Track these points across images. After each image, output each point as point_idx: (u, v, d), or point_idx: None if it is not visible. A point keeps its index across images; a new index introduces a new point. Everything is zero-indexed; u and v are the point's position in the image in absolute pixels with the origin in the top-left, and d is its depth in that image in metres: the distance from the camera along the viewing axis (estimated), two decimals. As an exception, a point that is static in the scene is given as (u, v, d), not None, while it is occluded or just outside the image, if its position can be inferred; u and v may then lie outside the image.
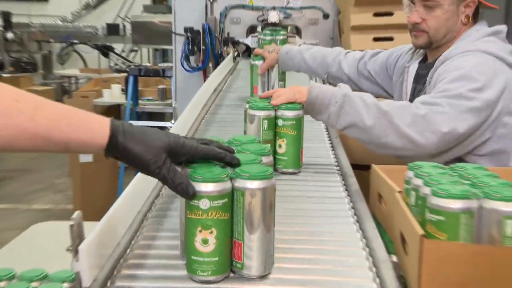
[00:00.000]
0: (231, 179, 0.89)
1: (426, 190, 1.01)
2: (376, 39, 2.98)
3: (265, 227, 0.90)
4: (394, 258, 1.04)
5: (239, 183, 0.89)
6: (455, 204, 0.93)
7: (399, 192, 1.12)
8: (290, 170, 1.38)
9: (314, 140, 1.92)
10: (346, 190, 1.44)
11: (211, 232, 0.87)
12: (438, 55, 1.87)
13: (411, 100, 1.87)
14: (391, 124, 1.54)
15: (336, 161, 1.68)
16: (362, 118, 1.55)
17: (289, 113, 1.22)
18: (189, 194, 0.87)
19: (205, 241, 0.88)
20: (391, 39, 2.93)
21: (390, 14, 2.86)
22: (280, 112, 1.26)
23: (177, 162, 0.93)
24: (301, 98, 1.53)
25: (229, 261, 0.92)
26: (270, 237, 0.92)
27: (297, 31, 3.86)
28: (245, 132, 1.36)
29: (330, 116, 1.57)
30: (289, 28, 3.79)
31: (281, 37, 3.05)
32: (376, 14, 2.96)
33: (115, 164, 5.24)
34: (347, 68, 2.29)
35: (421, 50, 2.01)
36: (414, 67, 2.02)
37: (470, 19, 1.85)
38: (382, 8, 2.90)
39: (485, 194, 0.95)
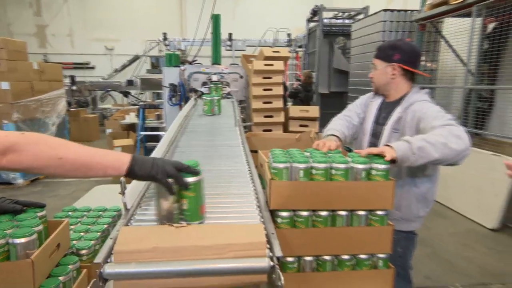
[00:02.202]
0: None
1: (272, 160, 1.11)
2: (263, 90, 3.05)
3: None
4: (264, 191, 1.17)
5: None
6: (281, 165, 1.07)
7: (266, 162, 1.21)
8: (194, 222, 0.90)
9: (232, 139, 1.92)
10: (247, 161, 1.50)
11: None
12: (394, 99, 1.60)
13: (376, 120, 1.65)
14: (449, 151, 1.22)
15: (243, 149, 1.71)
16: (432, 156, 1.22)
17: (190, 179, 0.88)
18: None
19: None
20: (270, 89, 3.01)
21: (270, 77, 3.02)
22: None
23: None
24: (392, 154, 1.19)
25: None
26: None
27: (228, 84, 3.84)
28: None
29: (414, 164, 1.23)
30: (224, 83, 3.76)
31: (217, 98, 2.63)
32: (264, 78, 3.02)
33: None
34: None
35: (377, 94, 1.70)
36: (376, 102, 1.68)
37: (401, 77, 1.56)
38: (266, 75, 3.05)
39: (293, 160, 1.08)
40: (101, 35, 11.59)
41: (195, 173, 0.90)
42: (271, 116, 3.00)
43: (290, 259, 1.13)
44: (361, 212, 1.13)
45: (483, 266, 2.73)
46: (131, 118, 6.59)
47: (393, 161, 1.21)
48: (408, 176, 1.55)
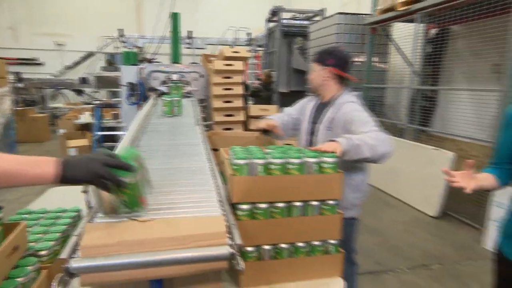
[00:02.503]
0: None
1: (233, 157, 1.19)
2: (223, 89, 3.12)
3: None
4: (225, 186, 1.24)
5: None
6: (241, 161, 1.14)
7: (227, 159, 1.30)
8: (135, 209, 0.93)
9: (193, 138, 1.93)
10: (208, 159, 1.52)
11: None
12: (326, 100, 1.80)
13: (312, 118, 1.83)
14: (376, 152, 1.45)
15: (204, 147, 1.72)
16: (364, 154, 1.43)
17: (126, 179, 0.86)
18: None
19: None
20: (230, 89, 3.08)
21: (230, 77, 3.10)
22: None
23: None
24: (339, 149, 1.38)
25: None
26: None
27: (188, 83, 3.80)
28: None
29: (351, 158, 1.45)
30: (184, 82, 3.73)
31: (177, 98, 2.61)
32: (224, 77, 3.11)
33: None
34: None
35: (313, 97, 1.91)
36: (312, 104, 1.88)
37: (333, 80, 1.76)
38: (227, 74, 3.12)
39: (253, 157, 1.16)
40: (50, 30, 10.87)
41: (130, 169, 0.86)
42: (231, 115, 3.06)
43: (250, 248, 1.21)
44: (315, 202, 1.24)
45: (425, 249, 3.02)
46: (85, 117, 6.33)
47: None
48: (344, 171, 1.71)
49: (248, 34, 10.61)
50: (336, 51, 1.81)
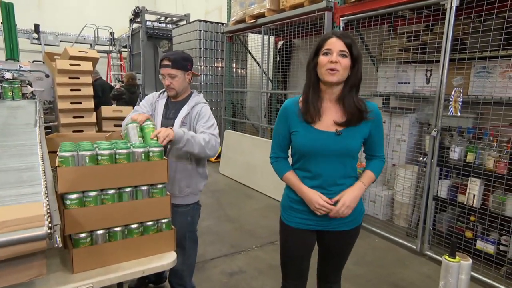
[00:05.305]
0: None
1: (60, 150, 1.26)
2: (70, 90, 2.98)
3: None
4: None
5: None
6: (67, 154, 1.23)
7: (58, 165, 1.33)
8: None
9: (29, 140, 1.85)
10: (42, 158, 1.45)
11: None
12: (181, 99, 2.00)
13: (165, 114, 1.99)
14: (204, 152, 1.79)
15: (40, 147, 1.65)
16: (194, 150, 1.75)
17: None
18: None
19: None
20: (78, 90, 2.96)
21: (77, 78, 2.97)
22: None
23: None
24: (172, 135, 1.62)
25: None
26: None
27: (30, 84, 3.39)
28: None
29: (182, 148, 1.72)
30: (27, 81, 3.31)
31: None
32: (70, 77, 2.94)
33: None
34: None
35: (164, 94, 2.05)
36: (163, 101, 2.03)
37: (189, 81, 2.00)
38: (73, 75, 2.96)
39: (80, 149, 1.27)
40: None
41: None
42: (81, 117, 2.97)
43: (82, 235, 1.32)
44: (144, 187, 1.43)
45: (273, 229, 3.57)
46: None
47: (169, 141, 1.63)
48: (195, 163, 2.00)
49: (112, 33, 10.06)
50: (187, 55, 2.02)
